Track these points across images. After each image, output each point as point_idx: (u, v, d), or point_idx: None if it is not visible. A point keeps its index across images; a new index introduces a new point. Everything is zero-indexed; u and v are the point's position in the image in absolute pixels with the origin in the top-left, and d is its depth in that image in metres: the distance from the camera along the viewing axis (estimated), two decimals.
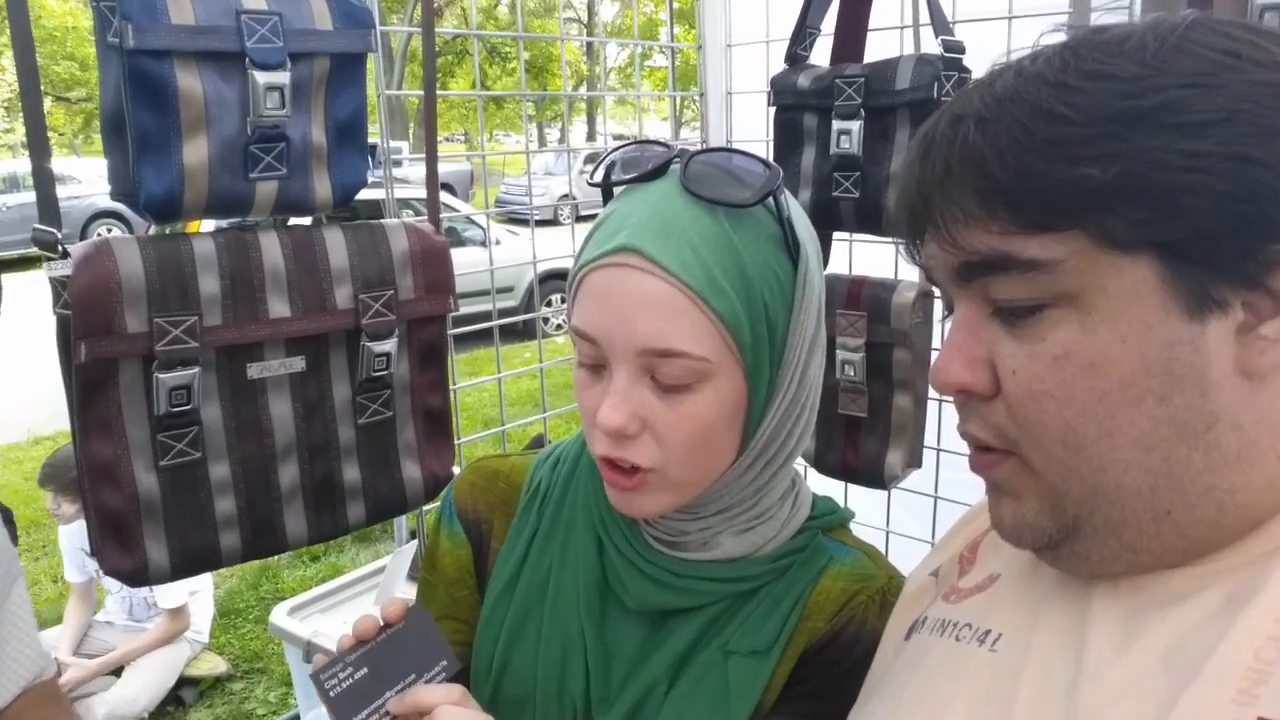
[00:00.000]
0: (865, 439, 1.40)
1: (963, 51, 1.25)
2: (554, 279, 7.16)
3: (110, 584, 3.16)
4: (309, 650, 1.80)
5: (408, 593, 1.70)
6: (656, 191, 0.69)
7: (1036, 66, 0.49)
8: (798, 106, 1.36)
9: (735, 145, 1.90)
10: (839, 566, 0.78)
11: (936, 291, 1.39)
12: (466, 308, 1.55)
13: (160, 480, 1.04)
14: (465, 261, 1.45)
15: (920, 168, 0.52)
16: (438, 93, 1.30)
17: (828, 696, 0.73)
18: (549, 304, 7.31)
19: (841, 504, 0.85)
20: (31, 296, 0.98)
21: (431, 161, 1.29)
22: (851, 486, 1.51)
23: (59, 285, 0.97)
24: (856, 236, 1.54)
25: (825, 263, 1.49)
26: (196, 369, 1.03)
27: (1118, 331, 0.47)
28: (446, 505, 0.89)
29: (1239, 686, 0.43)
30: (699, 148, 0.74)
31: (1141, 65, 0.46)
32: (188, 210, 1.03)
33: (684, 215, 0.67)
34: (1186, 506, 0.48)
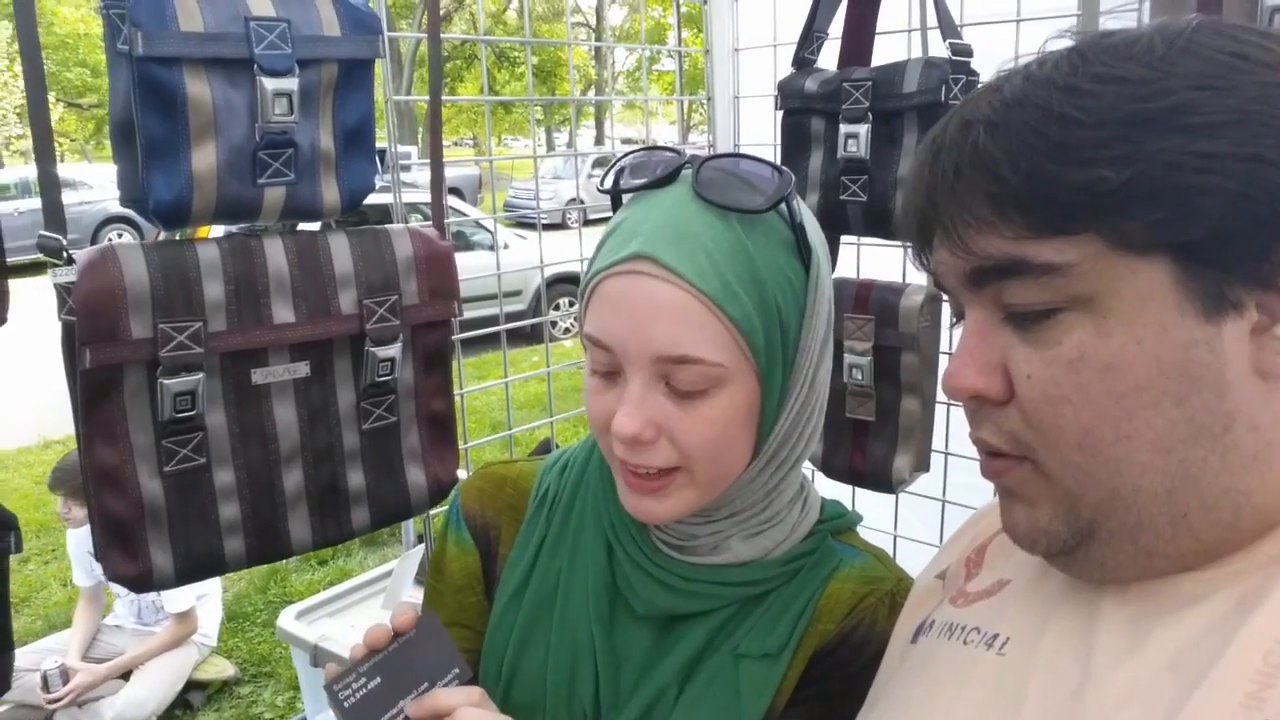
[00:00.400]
0: (873, 443, 1.40)
1: (970, 55, 1.25)
2: (562, 282, 7.17)
3: (118, 588, 3.17)
4: (316, 654, 1.80)
5: (415, 597, 1.70)
6: (669, 198, 0.69)
7: (1045, 71, 0.49)
8: (805, 110, 1.36)
9: (743, 149, 1.90)
10: (848, 569, 0.78)
11: (945, 296, 1.39)
12: (475, 311, 1.55)
13: (165, 486, 1.04)
14: (474, 265, 1.45)
15: (930, 173, 0.52)
16: (444, 98, 1.30)
17: (839, 698, 0.73)
18: (557, 308, 7.32)
19: (849, 508, 0.85)
20: (42, 301, 0.98)
21: (436, 166, 1.29)
22: (859, 490, 1.50)
23: (64, 291, 0.97)
24: (864, 240, 1.53)
25: (833, 266, 1.49)
26: (201, 375, 1.03)
27: (1133, 334, 0.47)
28: (454, 512, 0.88)
29: (1247, 690, 0.43)
30: (709, 153, 0.75)
31: (1150, 68, 0.46)
32: (196, 216, 1.03)
33: (697, 221, 0.67)
34: (1203, 509, 0.48)
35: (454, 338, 1.35)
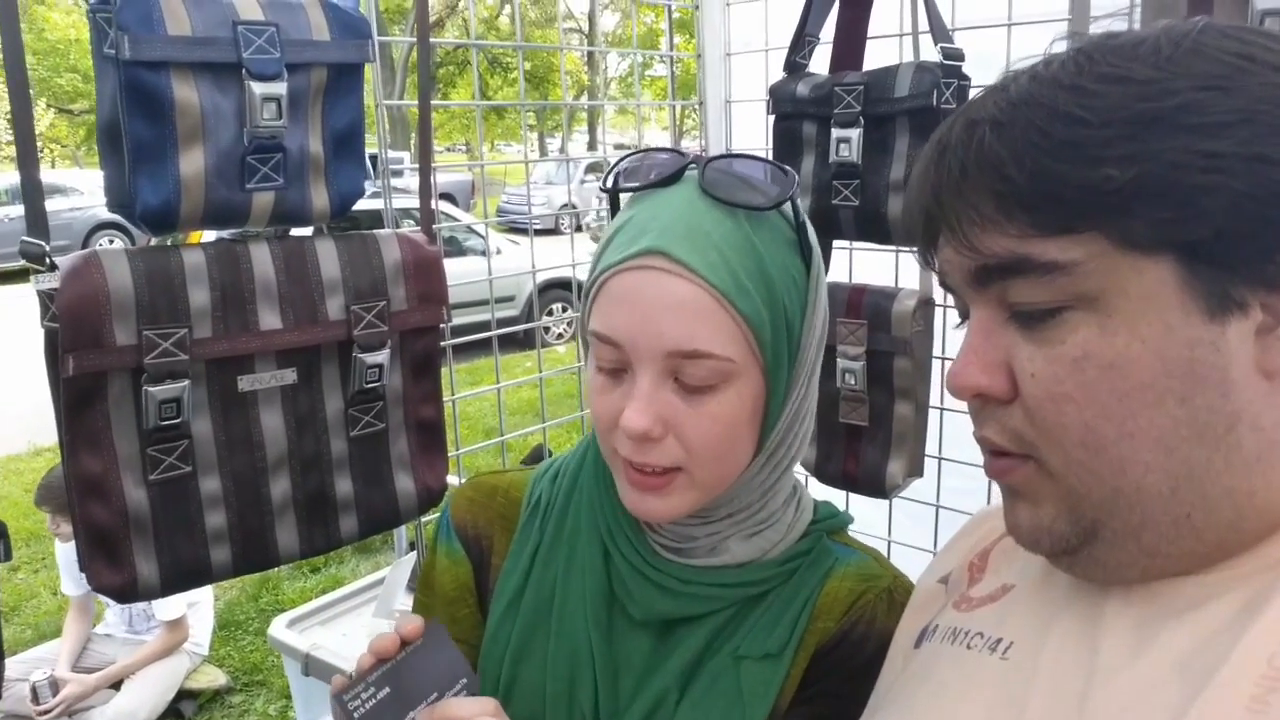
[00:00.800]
0: (866, 448, 1.39)
1: (962, 59, 1.25)
2: (555, 288, 7.16)
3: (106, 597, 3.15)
4: (308, 663, 1.78)
5: (407, 604, 1.69)
6: (676, 196, 0.70)
7: (1051, 71, 0.49)
8: (797, 115, 1.36)
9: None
10: (845, 567, 0.79)
11: (938, 300, 1.39)
12: (468, 317, 1.54)
13: (150, 494, 1.03)
14: (467, 271, 1.44)
15: (935, 172, 0.52)
16: (434, 103, 1.29)
17: (842, 696, 0.74)
18: (550, 313, 7.31)
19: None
20: (33, 307, 0.97)
21: (425, 171, 1.28)
22: (853, 495, 1.50)
23: (47, 298, 0.96)
24: (856, 245, 1.53)
25: (825, 270, 1.48)
26: (186, 382, 1.02)
27: (1137, 333, 0.47)
28: (443, 523, 0.87)
29: (1252, 694, 0.43)
30: (712, 154, 0.75)
31: (1156, 69, 0.46)
32: (184, 221, 1.02)
33: (706, 218, 0.68)
34: (1206, 509, 0.48)
35: (445, 343, 1.34)
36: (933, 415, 1.43)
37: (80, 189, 12.34)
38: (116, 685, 3.09)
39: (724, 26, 1.89)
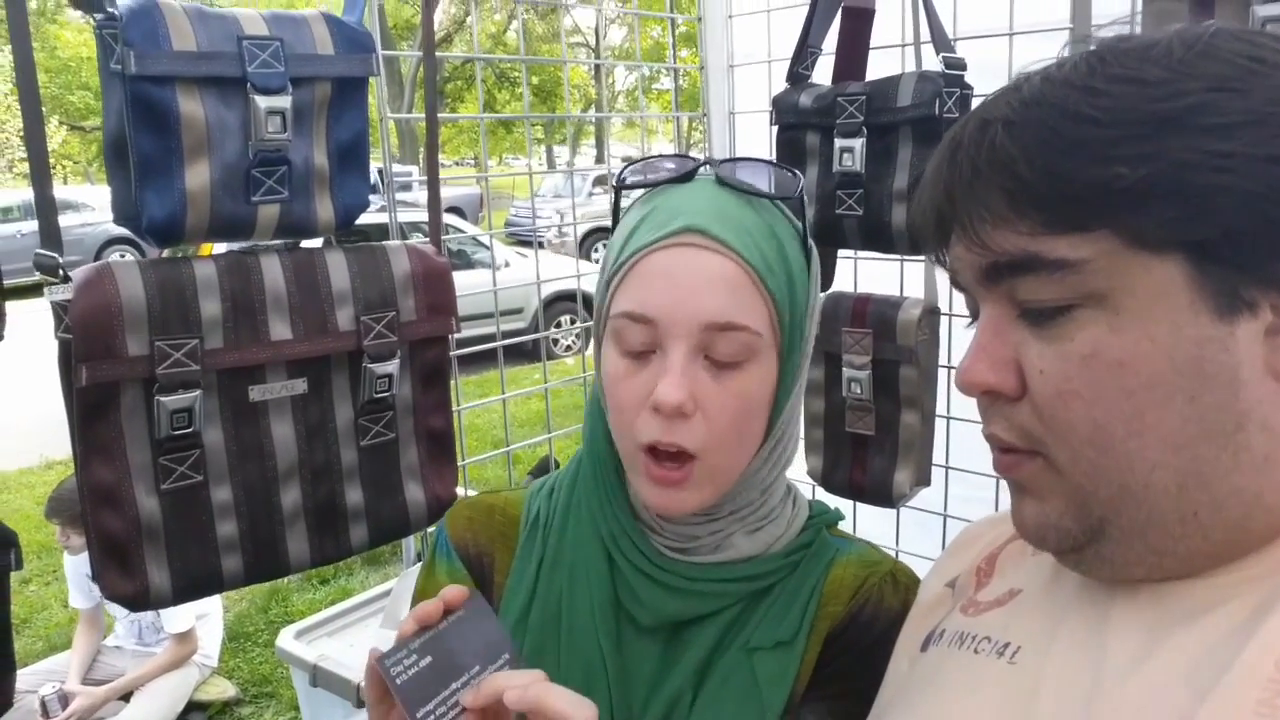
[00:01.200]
0: (873, 457, 1.39)
1: (964, 68, 1.25)
2: (562, 300, 7.17)
3: (116, 609, 3.17)
4: (316, 674, 1.79)
5: None
6: (696, 187, 0.73)
7: (1064, 72, 0.50)
8: (800, 125, 1.36)
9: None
10: (847, 556, 0.81)
11: (943, 308, 1.39)
12: (477, 329, 1.55)
13: (162, 504, 1.03)
14: (474, 283, 1.45)
15: (948, 170, 0.53)
16: (439, 116, 1.30)
17: (855, 675, 0.75)
18: (558, 325, 7.32)
19: (850, 523, 0.86)
20: (46, 321, 0.98)
21: (433, 184, 1.29)
22: (861, 505, 1.49)
23: (60, 309, 0.98)
24: (861, 254, 1.54)
25: (830, 281, 1.49)
26: (198, 392, 1.03)
27: (1146, 331, 0.47)
28: (441, 544, 0.87)
29: (1259, 697, 0.43)
30: (723, 157, 0.79)
31: (1169, 70, 0.47)
32: (190, 234, 1.03)
33: (731, 205, 0.72)
34: (1213, 508, 0.48)
35: (452, 354, 1.35)
36: (940, 424, 1.43)
37: (92, 205, 12.43)
38: (126, 697, 3.09)
39: (727, 39, 1.90)
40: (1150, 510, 0.49)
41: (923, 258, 1.40)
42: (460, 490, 1.32)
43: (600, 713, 0.75)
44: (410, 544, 1.88)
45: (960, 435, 1.50)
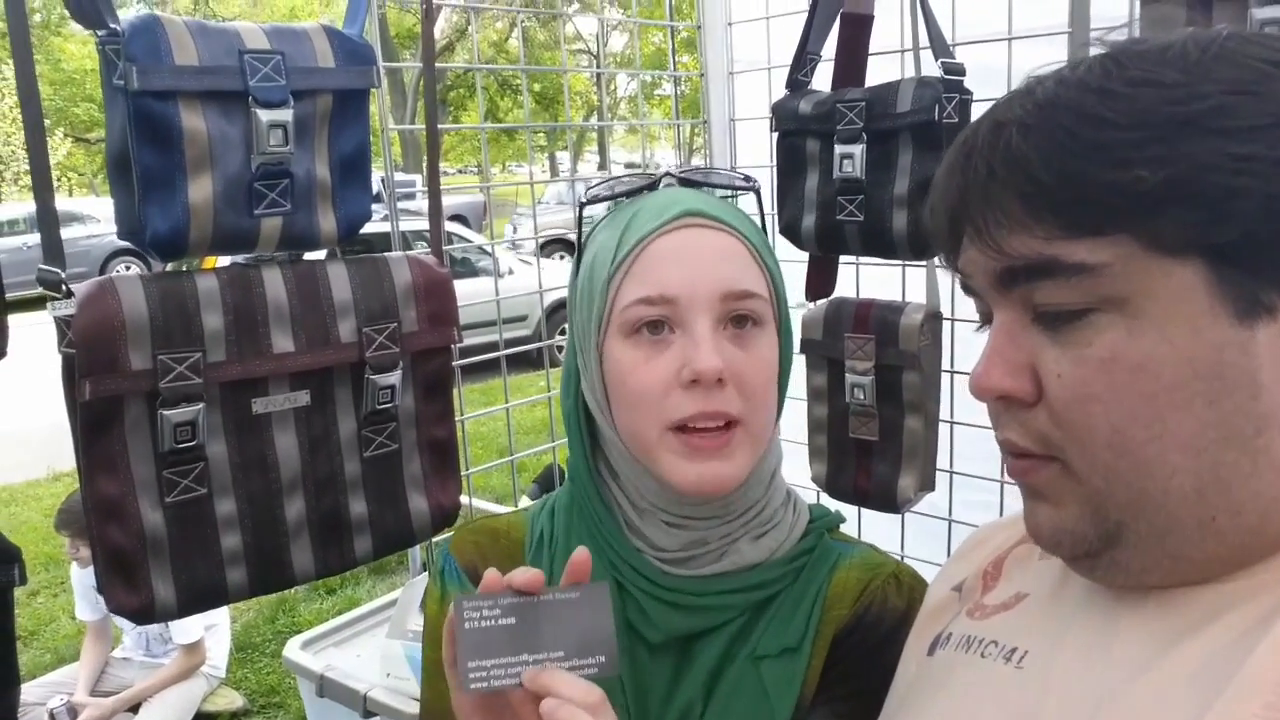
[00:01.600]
0: (877, 463, 1.39)
1: (963, 73, 1.25)
2: (565, 308, 7.16)
3: (123, 621, 3.17)
4: (322, 684, 1.79)
5: (420, 624, 1.69)
6: (668, 191, 0.77)
7: (1078, 74, 0.49)
8: (800, 131, 1.36)
9: (740, 171, 1.91)
10: (849, 559, 0.82)
11: (945, 313, 1.39)
12: (481, 337, 1.55)
13: (166, 517, 1.04)
14: (479, 291, 1.45)
15: (961, 173, 0.52)
16: (442, 126, 1.30)
17: (863, 676, 0.75)
18: (562, 332, 7.31)
19: (855, 528, 0.86)
20: (51, 334, 0.98)
21: (434, 196, 1.30)
22: (865, 511, 1.49)
23: (63, 324, 0.98)
24: (862, 260, 1.53)
25: (832, 287, 1.49)
26: (201, 405, 1.03)
27: (1165, 335, 0.47)
28: (450, 570, 0.86)
29: (1266, 701, 0.42)
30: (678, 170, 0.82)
31: (1185, 73, 0.47)
32: (193, 247, 1.04)
33: (711, 197, 0.77)
34: (1231, 513, 0.48)
35: (455, 363, 1.35)
36: (943, 429, 1.43)
37: (97, 217, 12.48)
38: (134, 709, 3.09)
39: (726, 46, 1.90)
40: (1169, 515, 0.49)
41: (924, 263, 1.40)
42: (464, 499, 1.32)
43: None
44: (416, 553, 1.88)
45: (964, 440, 1.50)
